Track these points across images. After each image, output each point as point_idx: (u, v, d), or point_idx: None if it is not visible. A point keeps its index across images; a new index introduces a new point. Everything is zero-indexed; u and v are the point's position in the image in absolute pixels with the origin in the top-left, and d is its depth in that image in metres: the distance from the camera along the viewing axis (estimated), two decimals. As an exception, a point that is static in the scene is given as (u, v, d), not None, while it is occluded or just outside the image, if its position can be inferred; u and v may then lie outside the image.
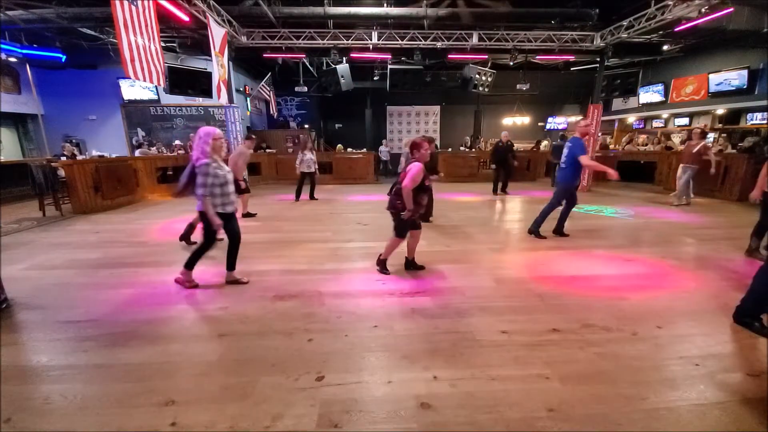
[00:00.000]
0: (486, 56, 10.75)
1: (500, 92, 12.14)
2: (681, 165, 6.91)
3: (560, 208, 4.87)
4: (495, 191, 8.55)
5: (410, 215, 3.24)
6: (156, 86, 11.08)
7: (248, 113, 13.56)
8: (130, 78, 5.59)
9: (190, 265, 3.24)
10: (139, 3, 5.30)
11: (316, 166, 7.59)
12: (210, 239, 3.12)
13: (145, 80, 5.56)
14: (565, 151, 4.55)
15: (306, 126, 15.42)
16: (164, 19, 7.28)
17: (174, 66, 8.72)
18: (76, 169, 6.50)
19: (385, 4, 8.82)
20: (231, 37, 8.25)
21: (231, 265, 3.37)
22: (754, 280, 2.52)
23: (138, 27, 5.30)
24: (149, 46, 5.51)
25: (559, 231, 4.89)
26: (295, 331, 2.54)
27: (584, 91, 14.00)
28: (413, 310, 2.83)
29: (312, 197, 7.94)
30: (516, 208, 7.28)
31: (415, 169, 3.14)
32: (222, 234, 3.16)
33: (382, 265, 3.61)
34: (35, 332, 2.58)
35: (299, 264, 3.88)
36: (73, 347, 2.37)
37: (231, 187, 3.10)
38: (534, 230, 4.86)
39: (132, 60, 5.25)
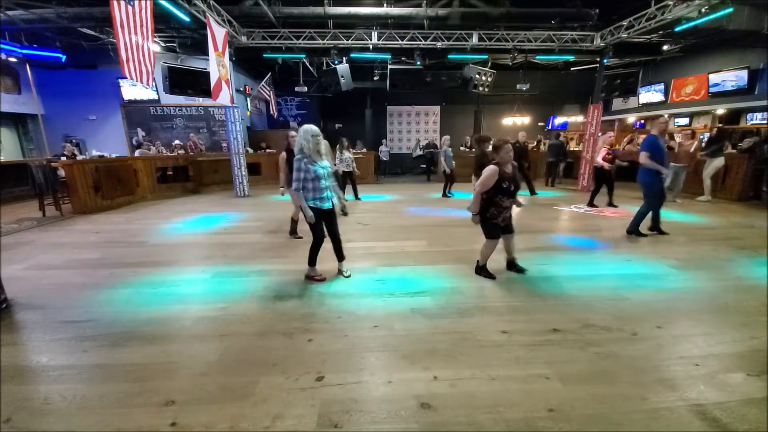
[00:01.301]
0: (486, 56, 10.75)
1: (500, 92, 12.12)
2: (675, 165, 6.95)
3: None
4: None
5: (478, 220, 3.30)
6: (156, 86, 11.11)
7: (248, 113, 13.56)
8: (126, 78, 5.59)
9: (312, 261, 3.42)
10: (136, 3, 5.30)
11: (354, 165, 7.51)
12: (316, 234, 3.27)
13: (136, 80, 5.54)
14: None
15: (306, 126, 15.41)
16: (164, 19, 7.29)
17: (174, 66, 8.71)
18: (76, 169, 6.50)
19: (385, 4, 8.81)
20: (231, 37, 8.25)
21: (339, 257, 3.54)
22: None
23: (134, 26, 5.31)
24: (143, 45, 5.51)
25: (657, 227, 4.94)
26: (295, 331, 2.54)
27: (584, 91, 13.98)
28: (413, 310, 2.83)
29: (356, 197, 7.84)
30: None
31: (486, 172, 3.15)
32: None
33: (483, 271, 3.50)
34: (35, 332, 2.58)
35: (299, 264, 3.88)
36: (73, 347, 2.37)
37: (324, 183, 3.17)
38: (657, 227, 4.89)
39: (128, 60, 5.27)
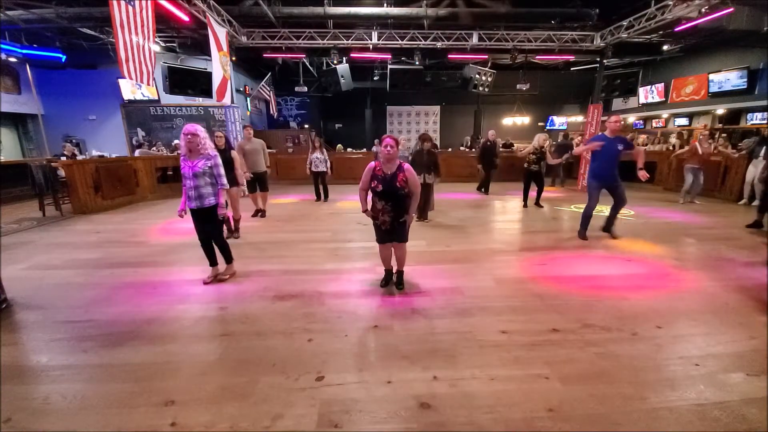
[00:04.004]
0: (486, 56, 10.75)
1: (500, 92, 12.15)
2: (692, 166, 6.93)
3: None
4: (481, 190, 8.71)
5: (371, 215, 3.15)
6: (156, 86, 11.10)
7: (248, 113, 13.57)
8: (125, 78, 5.59)
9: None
10: (137, 3, 5.30)
11: (327, 165, 7.33)
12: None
13: (136, 80, 5.53)
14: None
15: (306, 126, 15.43)
16: (164, 19, 7.30)
17: (174, 66, 8.72)
18: (76, 169, 6.50)
19: (385, 4, 8.82)
20: (231, 37, 8.25)
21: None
22: None
23: (135, 26, 5.31)
24: (143, 45, 5.51)
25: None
26: (295, 331, 2.54)
27: (584, 91, 14.01)
28: (413, 310, 2.83)
29: (322, 198, 7.71)
30: (516, 208, 7.27)
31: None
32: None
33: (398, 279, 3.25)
34: (35, 332, 2.58)
35: (299, 264, 3.88)
36: (73, 347, 2.37)
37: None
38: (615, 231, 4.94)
39: (127, 60, 5.26)
